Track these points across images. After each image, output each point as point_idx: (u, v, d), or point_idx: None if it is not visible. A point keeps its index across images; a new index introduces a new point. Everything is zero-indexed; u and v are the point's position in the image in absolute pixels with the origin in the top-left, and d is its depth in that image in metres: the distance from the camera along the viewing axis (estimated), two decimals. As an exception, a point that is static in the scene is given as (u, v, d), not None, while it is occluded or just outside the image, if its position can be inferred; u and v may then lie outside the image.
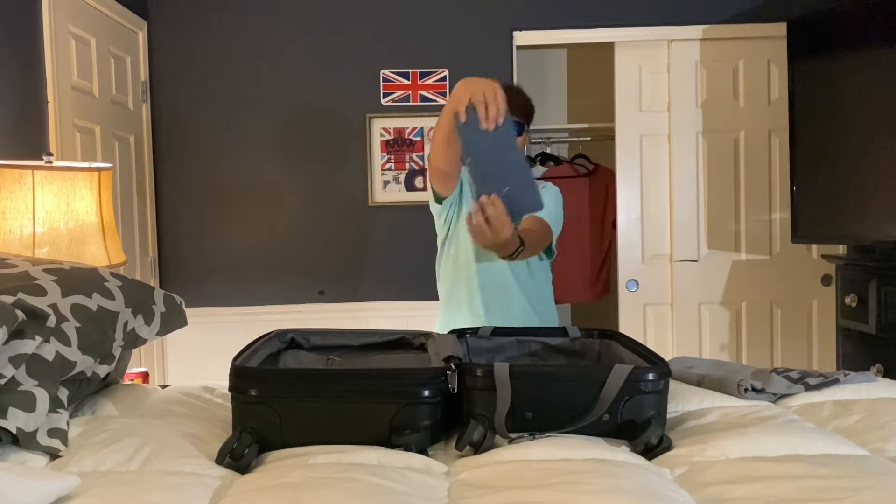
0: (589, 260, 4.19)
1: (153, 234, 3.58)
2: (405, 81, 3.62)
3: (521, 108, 2.15)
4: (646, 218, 3.72)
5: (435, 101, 3.61)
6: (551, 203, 2.29)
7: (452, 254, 2.29)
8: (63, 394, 1.39)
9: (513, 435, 1.33)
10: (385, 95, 3.63)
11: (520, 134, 2.16)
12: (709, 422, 1.45)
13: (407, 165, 3.64)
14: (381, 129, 3.63)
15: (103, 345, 1.49)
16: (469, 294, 2.26)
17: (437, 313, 2.37)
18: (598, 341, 1.76)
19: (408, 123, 3.63)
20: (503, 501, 1.08)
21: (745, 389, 1.59)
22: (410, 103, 3.63)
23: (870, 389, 1.62)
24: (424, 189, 3.63)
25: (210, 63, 3.61)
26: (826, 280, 3.70)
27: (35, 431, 1.27)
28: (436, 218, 2.34)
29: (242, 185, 3.64)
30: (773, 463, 1.20)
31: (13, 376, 1.28)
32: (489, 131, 1.62)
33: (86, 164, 2.16)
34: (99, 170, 2.16)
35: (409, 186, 3.64)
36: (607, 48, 3.71)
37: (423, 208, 3.62)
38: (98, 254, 2.13)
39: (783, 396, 1.62)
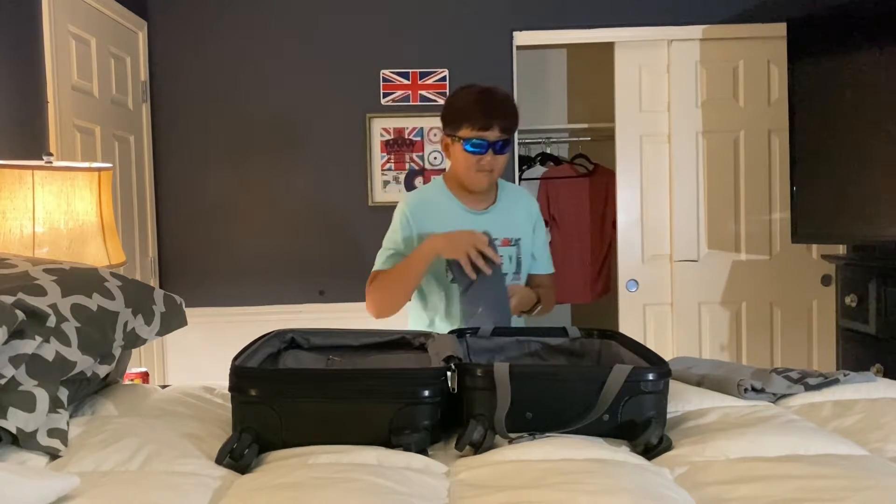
0: (589, 260, 4.19)
1: (153, 234, 3.58)
2: (405, 81, 3.62)
3: (512, 118, 2.05)
4: (646, 218, 3.72)
5: (435, 101, 3.61)
6: (543, 239, 2.29)
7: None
8: (63, 394, 1.39)
9: (513, 435, 1.33)
10: (385, 95, 3.63)
11: (504, 151, 2.05)
12: (709, 422, 1.45)
13: (407, 165, 3.64)
14: (381, 129, 3.63)
15: (103, 345, 1.49)
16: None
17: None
18: (598, 341, 1.76)
19: (408, 123, 3.63)
20: (503, 501, 1.08)
21: (745, 389, 1.59)
22: (410, 103, 3.62)
23: (870, 389, 1.62)
24: (424, 189, 3.63)
25: (210, 63, 3.61)
26: (826, 280, 3.70)
27: (35, 431, 1.27)
28: None
29: (242, 185, 3.64)
30: (773, 463, 1.20)
31: (13, 376, 1.28)
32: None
33: (86, 164, 2.16)
34: (99, 170, 2.16)
35: (409, 186, 3.64)
36: (607, 48, 3.71)
37: (423, 208, 3.63)
38: (98, 254, 2.13)
39: (783, 396, 1.62)
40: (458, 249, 1.93)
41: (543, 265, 2.25)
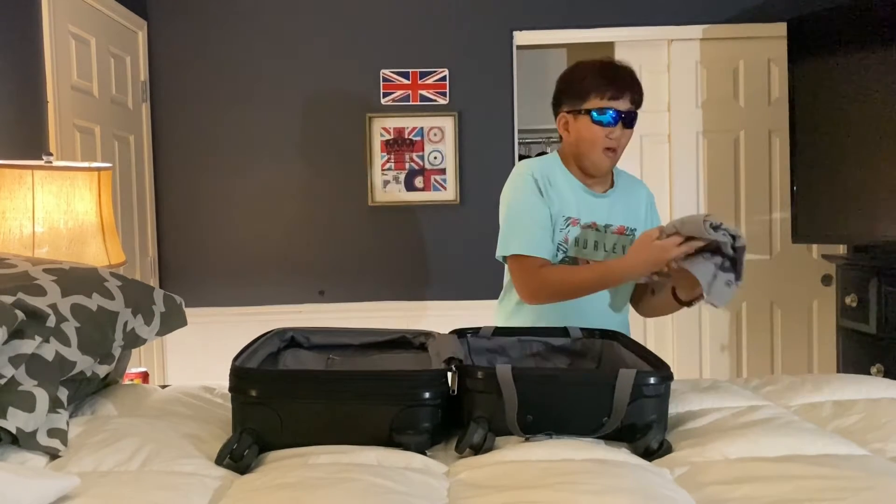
0: (589, 260, 4.19)
1: (153, 234, 3.58)
2: (405, 81, 3.62)
3: (640, 90, 1.92)
4: (646, 218, 3.71)
5: (435, 100, 3.61)
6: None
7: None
8: (63, 394, 1.39)
9: (527, 435, 1.33)
10: (385, 95, 3.63)
11: (632, 125, 1.92)
12: (708, 422, 1.45)
13: (407, 165, 3.64)
14: (381, 128, 3.63)
15: (103, 345, 1.49)
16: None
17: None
18: (600, 342, 1.76)
19: (408, 123, 3.63)
20: (503, 501, 1.07)
21: (712, 225, 1.63)
22: (410, 103, 3.62)
23: (870, 389, 1.62)
24: (424, 189, 3.63)
25: (210, 63, 3.61)
26: (826, 280, 3.70)
27: (35, 431, 1.27)
28: None
29: (242, 185, 3.64)
30: (772, 463, 1.20)
31: (13, 376, 1.28)
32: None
33: (86, 164, 2.16)
34: (99, 170, 2.16)
35: (409, 186, 3.64)
36: (607, 48, 3.71)
37: (424, 208, 3.64)
38: (98, 254, 2.13)
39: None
40: (659, 263, 1.74)
41: None
